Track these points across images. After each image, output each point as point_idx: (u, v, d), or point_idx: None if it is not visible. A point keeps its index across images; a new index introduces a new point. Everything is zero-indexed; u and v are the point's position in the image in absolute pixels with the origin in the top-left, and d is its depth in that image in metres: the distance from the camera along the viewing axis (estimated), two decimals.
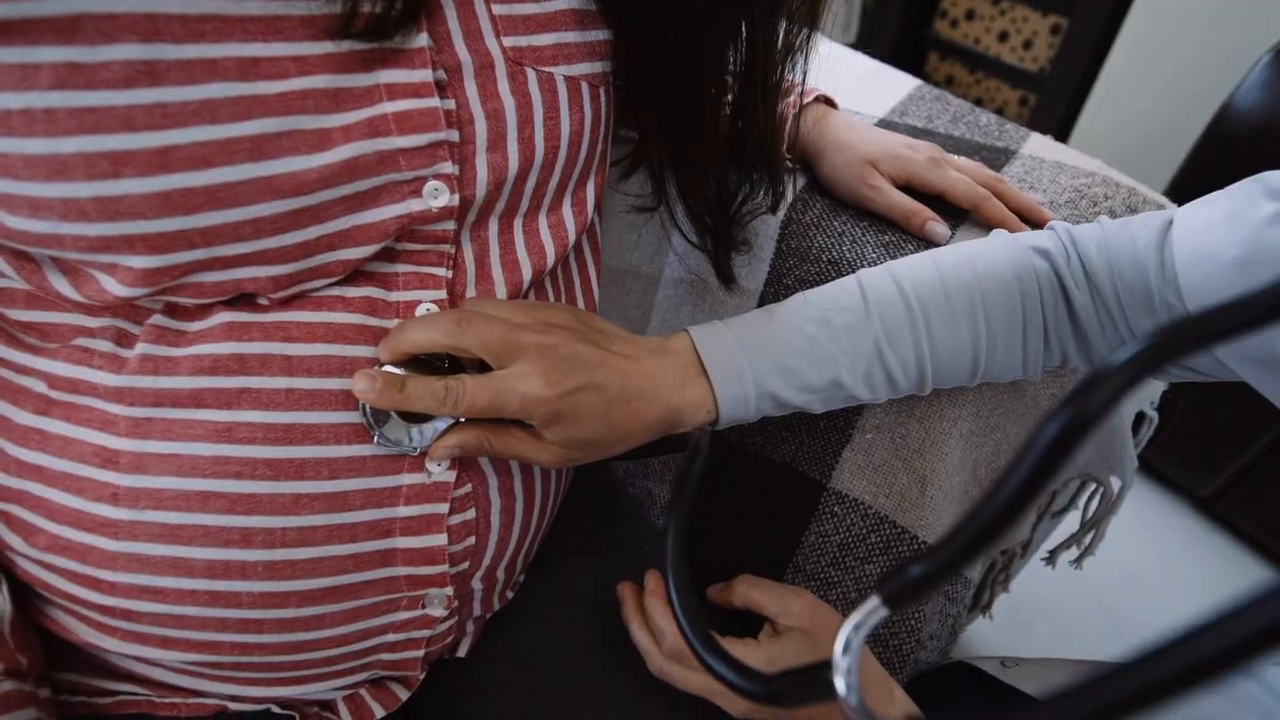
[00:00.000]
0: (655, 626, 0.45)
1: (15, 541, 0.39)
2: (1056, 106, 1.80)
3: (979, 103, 2.07)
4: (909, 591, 0.24)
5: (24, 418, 0.39)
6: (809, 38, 0.45)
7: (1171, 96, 1.52)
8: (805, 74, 0.47)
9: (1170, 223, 0.44)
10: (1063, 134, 1.80)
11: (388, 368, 0.39)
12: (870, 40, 2.11)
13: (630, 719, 0.48)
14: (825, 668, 0.25)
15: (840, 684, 0.24)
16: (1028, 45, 1.91)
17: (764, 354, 0.46)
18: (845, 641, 0.25)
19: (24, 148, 0.30)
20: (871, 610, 0.25)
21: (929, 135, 0.71)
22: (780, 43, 0.45)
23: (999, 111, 2.03)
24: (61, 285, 0.36)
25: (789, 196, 0.62)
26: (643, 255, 0.71)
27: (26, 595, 0.41)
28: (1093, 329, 0.46)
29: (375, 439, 0.39)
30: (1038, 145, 0.70)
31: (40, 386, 0.38)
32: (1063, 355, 0.49)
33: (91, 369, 0.37)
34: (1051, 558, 0.71)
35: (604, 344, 0.43)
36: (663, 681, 0.46)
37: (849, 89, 0.79)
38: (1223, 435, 1.17)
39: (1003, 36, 1.96)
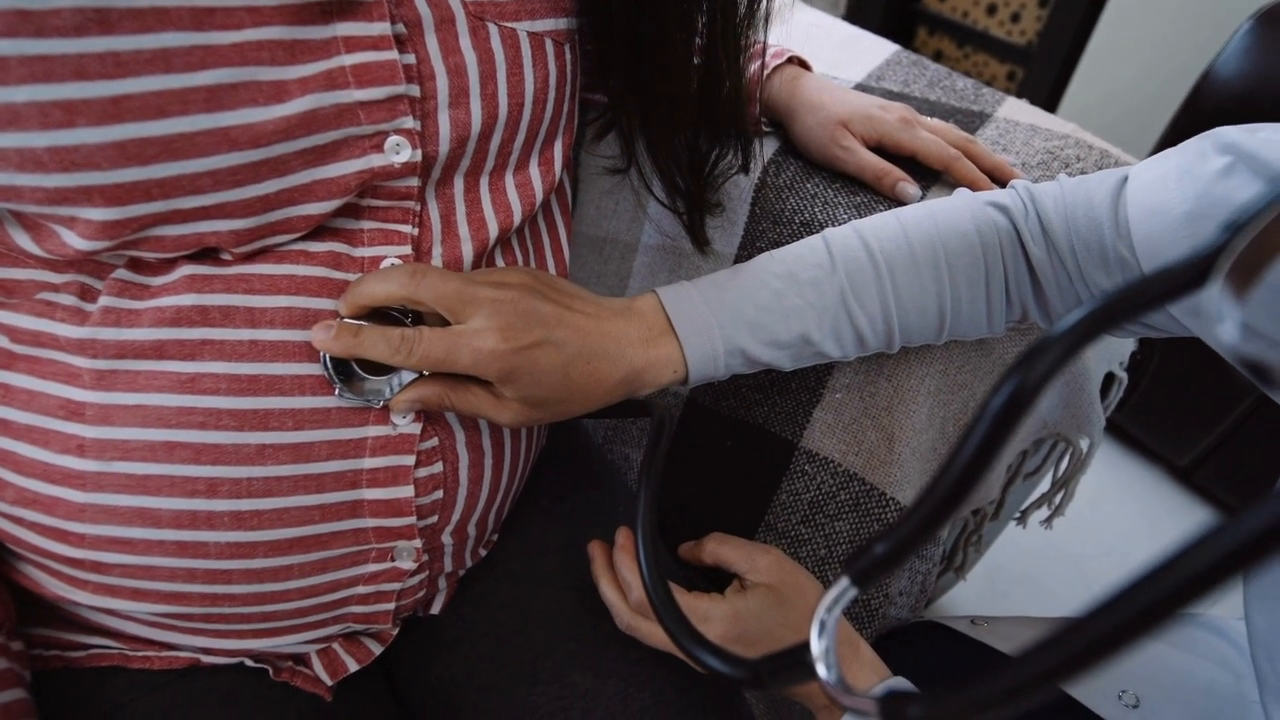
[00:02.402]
0: (623, 580, 0.46)
1: None
2: (1044, 80, 1.80)
3: (968, 77, 2.06)
4: (875, 569, 0.25)
5: None
6: None
7: (1158, 67, 1.52)
8: (767, 34, 0.47)
9: (1126, 179, 0.44)
10: (1050, 107, 1.79)
11: (347, 320, 0.39)
12: (858, 14, 2.10)
13: (599, 673, 0.49)
14: (804, 650, 0.26)
15: (820, 667, 0.25)
16: (1016, 18, 1.90)
17: (731, 310, 0.46)
18: (820, 624, 0.26)
19: None
20: (842, 591, 0.26)
21: (905, 99, 0.71)
22: (745, 3, 0.45)
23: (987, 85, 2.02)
24: (23, 240, 0.36)
25: (762, 159, 0.62)
26: (620, 222, 0.72)
27: None
28: (1049, 284, 0.47)
29: (337, 392, 0.40)
30: (1013, 109, 0.70)
31: (2, 341, 0.39)
32: (1023, 310, 0.49)
33: (54, 322, 0.37)
34: (1022, 518, 0.72)
35: (564, 302, 0.43)
36: (630, 636, 0.47)
37: (827, 54, 0.79)
38: (1200, 404, 1.18)
39: (991, 10, 1.95)
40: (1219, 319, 0.23)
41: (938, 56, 2.12)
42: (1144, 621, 0.16)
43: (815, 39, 0.85)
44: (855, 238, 0.48)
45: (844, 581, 0.26)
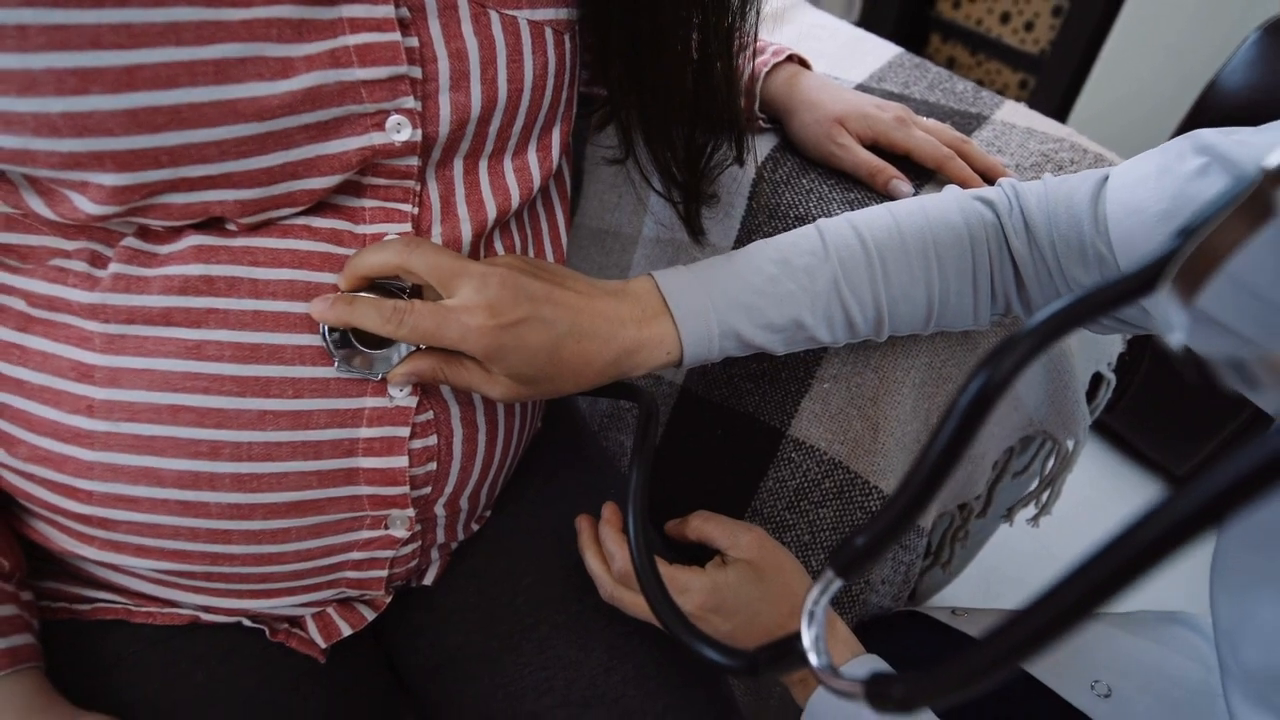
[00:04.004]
0: (607, 552, 0.47)
1: None
2: (1056, 88, 1.80)
3: (979, 85, 2.06)
4: (858, 560, 0.27)
5: (5, 334, 0.41)
6: None
7: (1170, 77, 1.52)
8: (757, 32, 0.48)
9: (1107, 178, 0.46)
10: (1061, 115, 1.80)
11: (343, 292, 0.41)
12: (872, 20, 2.10)
13: (584, 645, 0.50)
14: (796, 639, 0.28)
15: (811, 655, 0.27)
16: (1029, 27, 1.91)
17: (726, 292, 0.47)
18: (809, 614, 0.28)
19: None
20: (829, 582, 0.27)
21: (905, 100, 0.72)
22: (737, 3, 0.46)
23: (999, 94, 2.03)
24: (36, 204, 0.37)
25: (757, 155, 0.63)
26: (622, 215, 0.73)
27: (10, 507, 0.44)
28: (1030, 278, 0.48)
29: (336, 364, 0.41)
30: (1010, 112, 0.71)
31: (20, 304, 0.41)
32: (1006, 302, 0.51)
33: (67, 287, 0.39)
34: (1009, 515, 0.73)
35: (554, 280, 0.44)
36: (614, 610, 0.49)
37: (832, 55, 0.81)
38: (1199, 413, 1.18)
39: (1005, 18, 1.95)
40: (1168, 327, 0.23)
41: (951, 63, 2.12)
42: (1091, 600, 0.17)
43: (821, 39, 0.86)
44: (848, 227, 0.49)
45: (829, 573, 0.27)
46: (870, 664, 0.45)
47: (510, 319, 0.40)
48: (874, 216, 0.50)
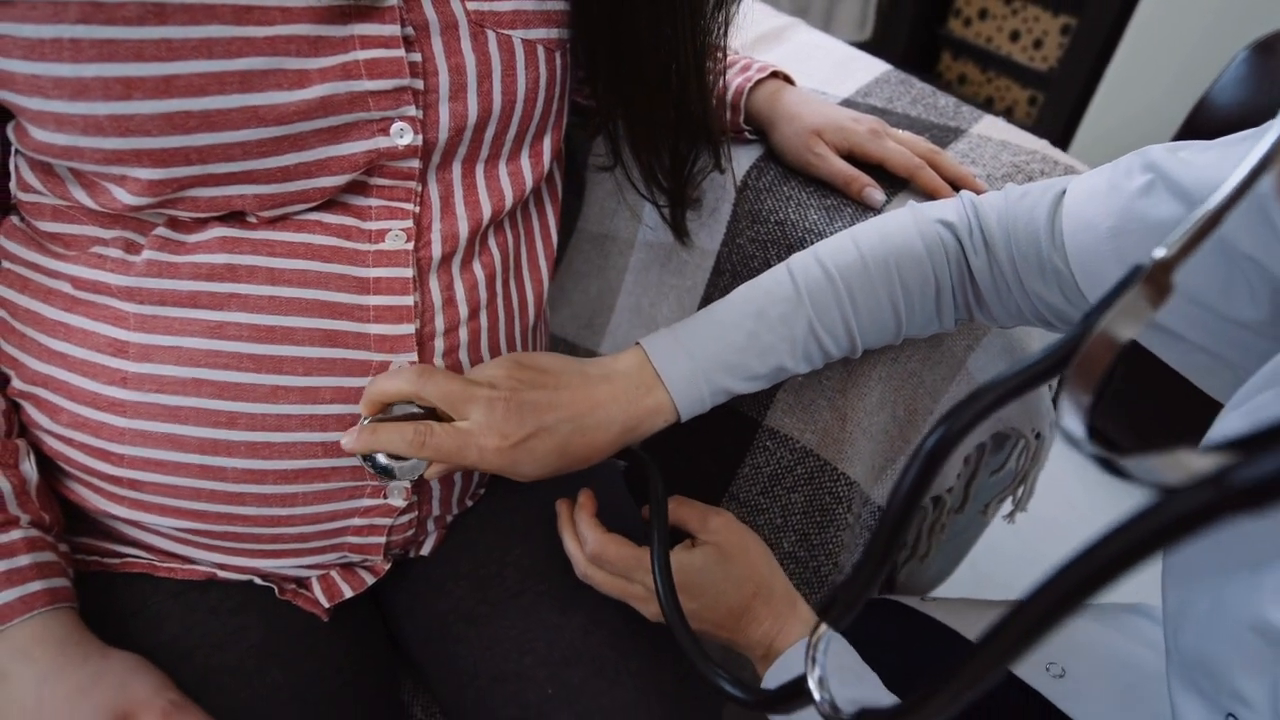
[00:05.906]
0: (581, 535, 0.51)
1: (43, 420, 0.47)
2: (1064, 104, 1.83)
3: (989, 102, 2.09)
4: (843, 604, 0.31)
5: (53, 313, 0.46)
6: (727, 23, 0.51)
7: (1175, 92, 1.54)
8: (724, 54, 0.53)
9: (1064, 192, 0.48)
10: (1069, 133, 1.82)
11: (365, 423, 0.45)
12: (884, 39, 2.14)
13: (564, 611, 0.54)
14: (803, 680, 0.32)
15: (815, 693, 0.31)
16: (1038, 45, 1.94)
17: (711, 355, 0.50)
18: (812, 659, 0.32)
19: (53, 71, 0.37)
20: (823, 633, 0.32)
21: (887, 114, 0.76)
22: (704, 27, 0.51)
23: (1008, 111, 2.06)
24: (80, 195, 0.43)
25: (745, 164, 0.68)
26: (620, 221, 0.78)
27: (50, 470, 0.49)
28: (988, 290, 0.51)
29: (381, 481, 0.46)
30: (988, 126, 0.75)
31: (67, 287, 0.46)
32: (969, 311, 0.54)
33: (105, 271, 0.44)
34: (985, 510, 0.76)
35: (551, 383, 0.48)
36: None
37: (825, 72, 0.85)
38: (1185, 416, 1.19)
39: (1014, 36, 1.98)
40: (1064, 412, 0.23)
41: (962, 80, 2.15)
42: (1052, 617, 0.18)
43: (816, 58, 0.91)
44: (816, 265, 0.52)
45: (822, 626, 0.32)
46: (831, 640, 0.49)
47: (519, 437, 0.45)
48: (839, 250, 0.52)
